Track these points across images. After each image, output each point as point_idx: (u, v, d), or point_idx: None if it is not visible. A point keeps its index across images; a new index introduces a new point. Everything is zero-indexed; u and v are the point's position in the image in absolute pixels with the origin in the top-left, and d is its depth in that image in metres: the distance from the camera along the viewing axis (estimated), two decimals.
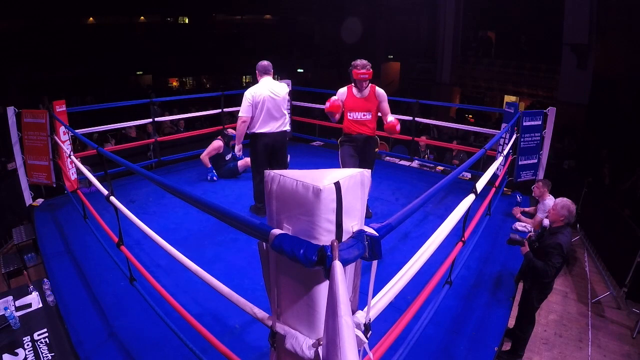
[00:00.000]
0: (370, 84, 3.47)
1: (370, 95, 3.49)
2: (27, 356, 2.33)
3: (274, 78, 3.80)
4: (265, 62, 3.70)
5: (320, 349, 0.90)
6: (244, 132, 3.74)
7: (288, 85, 3.77)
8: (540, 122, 4.61)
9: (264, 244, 0.99)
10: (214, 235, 3.62)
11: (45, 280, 2.88)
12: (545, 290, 2.96)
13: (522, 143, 4.60)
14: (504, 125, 4.69)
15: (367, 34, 14.70)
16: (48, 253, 3.41)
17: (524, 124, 4.53)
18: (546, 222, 3.58)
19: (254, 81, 3.85)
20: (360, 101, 3.49)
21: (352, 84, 3.49)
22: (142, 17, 14.64)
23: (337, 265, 0.74)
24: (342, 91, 3.53)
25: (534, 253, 2.91)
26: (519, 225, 3.97)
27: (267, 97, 3.60)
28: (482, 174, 2.65)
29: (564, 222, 2.83)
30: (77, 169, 3.92)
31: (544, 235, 3.00)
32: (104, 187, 2.70)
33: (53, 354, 2.35)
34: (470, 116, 11.86)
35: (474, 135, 8.36)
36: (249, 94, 3.60)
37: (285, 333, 0.99)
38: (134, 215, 2.32)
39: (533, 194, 4.22)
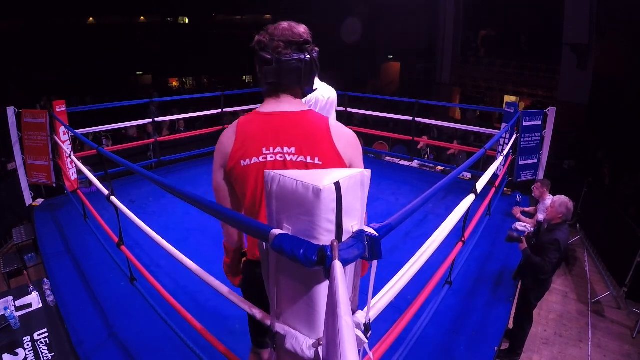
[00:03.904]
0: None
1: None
2: (27, 356, 2.33)
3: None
4: None
5: (320, 349, 0.90)
6: None
7: None
8: (540, 122, 4.61)
9: (264, 244, 0.99)
10: (214, 235, 3.62)
11: (45, 280, 2.89)
12: (543, 288, 2.99)
13: (522, 143, 4.60)
14: (504, 125, 4.69)
15: (367, 34, 14.69)
16: (48, 253, 3.41)
17: (524, 124, 4.54)
18: (541, 217, 3.58)
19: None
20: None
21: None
22: (142, 17, 14.63)
23: (337, 265, 0.74)
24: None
25: (531, 249, 2.94)
26: (519, 225, 3.97)
27: (315, 98, 3.46)
28: (482, 174, 2.65)
29: (561, 220, 2.86)
30: (77, 169, 3.92)
31: (541, 231, 3.03)
32: (104, 187, 2.71)
33: (53, 354, 2.35)
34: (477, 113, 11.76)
35: (474, 135, 8.36)
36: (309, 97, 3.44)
37: (285, 333, 0.99)
38: (134, 215, 2.32)
39: (533, 195, 4.22)
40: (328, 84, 2.71)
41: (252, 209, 1.24)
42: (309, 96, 3.23)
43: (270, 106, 1.21)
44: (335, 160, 1.16)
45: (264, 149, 1.15)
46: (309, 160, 1.14)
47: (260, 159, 1.15)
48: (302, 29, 1.19)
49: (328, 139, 1.16)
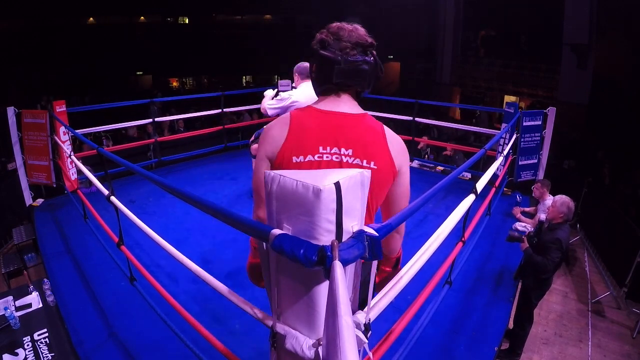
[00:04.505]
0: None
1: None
2: (27, 356, 2.33)
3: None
4: (307, 64, 3.03)
5: (320, 349, 0.90)
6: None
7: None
8: (540, 122, 4.61)
9: (264, 244, 0.99)
10: (214, 235, 3.62)
11: (45, 280, 2.89)
12: (544, 287, 3.00)
13: (522, 143, 4.60)
14: (504, 125, 4.69)
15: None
16: (48, 253, 3.41)
17: (524, 124, 4.54)
18: (542, 216, 3.60)
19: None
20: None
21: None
22: (142, 17, 14.63)
23: (337, 265, 0.74)
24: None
25: (533, 249, 2.96)
26: (519, 226, 3.97)
27: (299, 103, 3.04)
28: (482, 174, 2.65)
29: (562, 219, 2.89)
30: (77, 169, 3.92)
31: (543, 231, 3.04)
32: (104, 187, 2.71)
33: (53, 354, 2.35)
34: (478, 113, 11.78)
35: (474, 135, 8.37)
36: (286, 94, 3.09)
37: (285, 333, 0.99)
38: (134, 215, 2.32)
39: (533, 195, 4.23)
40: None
41: None
42: (291, 100, 3.01)
43: (329, 105, 1.18)
44: (388, 165, 1.16)
45: (320, 148, 1.12)
46: (365, 163, 1.13)
47: (316, 157, 1.11)
48: (363, 30, 1.19)
49: (383, 144, 1.17)
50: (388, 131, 1.21)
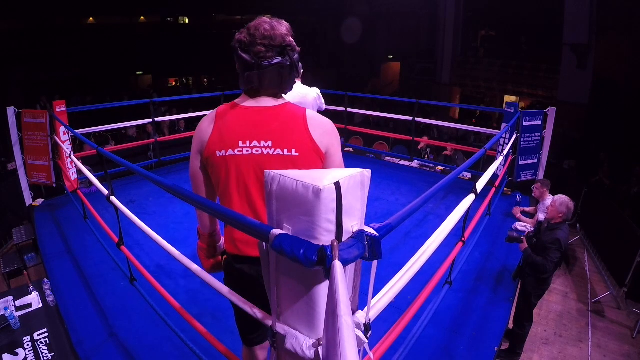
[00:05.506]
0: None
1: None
2: (27, 356, 2.33)
3: None
4: None
5: (320, 349, 0.90)
6: None
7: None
8: (540, 122, 4.61)
9: (264, 244, 0.99)
10: None
11: (45, 280, 2.89)
12: (543, 286, 3.00)
13: (522, 143, 4.60)
14: (504, 125, 4.69)
15: (367, 34, 14.70)
16: (48, 253, 3.41)
17: (524, 124, 4.53)
18: (541, 217, 3.61)
19: None
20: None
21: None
22: (142, 17, 14.63)
23: (337, 265, 0.74)
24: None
25: (532, 249, 2.95)
26: (519, 225, 3.98)
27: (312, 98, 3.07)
28: (482, 174, 2.65)
29: (562, 219, 2.90)
30: (77, 169, 3.92)
31: (542, 231, 3.05)
32: (104, 187, 2.71)
33: (53, 354, 2.35)
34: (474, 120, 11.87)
35: (474, 136, 8.37)
36: None
37: (285, 333, 0.99)
38: (134, 215, 2.32)
39: (533, 195, 4.23)
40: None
41: (223, 198, 1.28)
42: (297, 94, 3.03)
43: (249, 101, 1.24)
44: (311, 150, 1.19)
45: (240, 142, 1.20)
46: (285, 152, 1.18)
47: (236, 151, 1.20)
48: (284, 29, 1.20)
49: (304, 130, 1.19)
50: (310, 116, 1.23)
